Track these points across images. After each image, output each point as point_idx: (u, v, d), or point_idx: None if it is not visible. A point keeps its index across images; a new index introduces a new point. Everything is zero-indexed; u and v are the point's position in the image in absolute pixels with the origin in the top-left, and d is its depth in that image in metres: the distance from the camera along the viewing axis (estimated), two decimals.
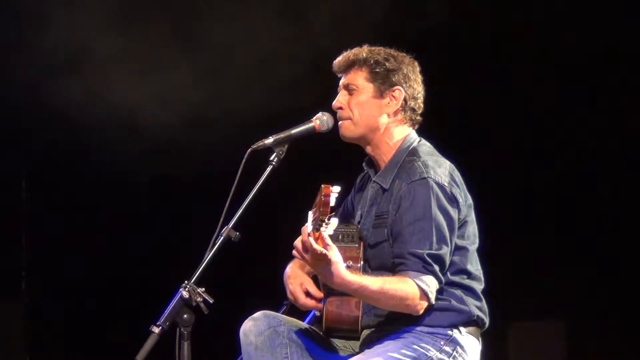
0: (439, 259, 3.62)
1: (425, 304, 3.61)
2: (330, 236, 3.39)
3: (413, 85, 3.87)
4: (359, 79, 3.84)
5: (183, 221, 6.88)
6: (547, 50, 6.82)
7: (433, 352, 3.67)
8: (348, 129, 3.86)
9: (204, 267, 3.58)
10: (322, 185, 3.36)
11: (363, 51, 3.86)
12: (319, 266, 3.45)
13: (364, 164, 3.99)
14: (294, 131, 3.82)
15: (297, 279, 3.86)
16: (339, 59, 3.89)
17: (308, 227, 3.40)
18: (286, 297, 3.89)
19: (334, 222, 3.35)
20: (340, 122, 3.87)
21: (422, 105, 3.90)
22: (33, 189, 7.26)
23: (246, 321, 3.78)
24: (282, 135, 3.79)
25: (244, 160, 3.69)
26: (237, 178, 3.68)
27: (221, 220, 3.63)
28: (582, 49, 6.71)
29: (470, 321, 3.74)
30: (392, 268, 3.67)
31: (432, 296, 3.61)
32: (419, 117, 3.91)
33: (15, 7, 6.72)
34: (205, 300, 3.53)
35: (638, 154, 6.88)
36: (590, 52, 6.72)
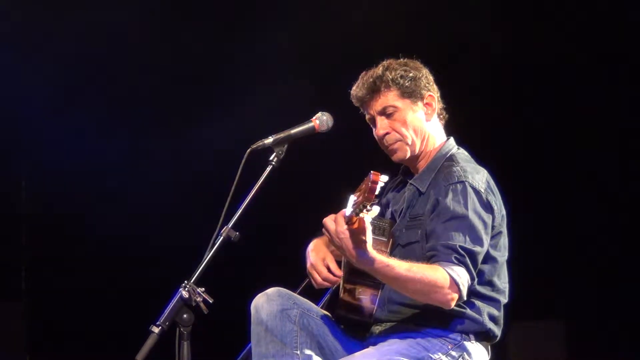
0: (471, 255, 3.58)
1: (456, 296, 3.55)
2: None
3: (434, 85, 3.89)
4: (393, 99, 3.80)
5: (183, 221, 6.88)
6: None
7: (438, 356, 3.66)
8: (405, 151, 3.83)
9: (203, 267, 3.57)
10: (371, 172, 3.36)
11: (380, 72, 3.81)
12: (348, 244, 3.41)
13: (400, 172, 3.98)
14: (293, 131, 3.81)
15: (320, 253, 3.85)
16: (359, 89, 3.83)
17: (347, 210, 3.38)
18: (299, 281, 3.89)
19: (376, 209, 3.34)
20: (391, 147, 3.83)
21: None
22: (33, 189, 7.26)
23: (259, 295, 3.75)
24: (281, 135, 3.78)
25: (243, 160, 3.68)
26: (237, 178, 3.68)
27: (221, 220, 3.63)
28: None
29: (482, 332, 3.72)
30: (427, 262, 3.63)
31: (463, 289, 3.55)
32: (445, 113, 3.93)
33: None
34: (205, 300, 3.52)
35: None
36: None
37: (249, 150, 3.71)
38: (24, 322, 7.17)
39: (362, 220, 3.34)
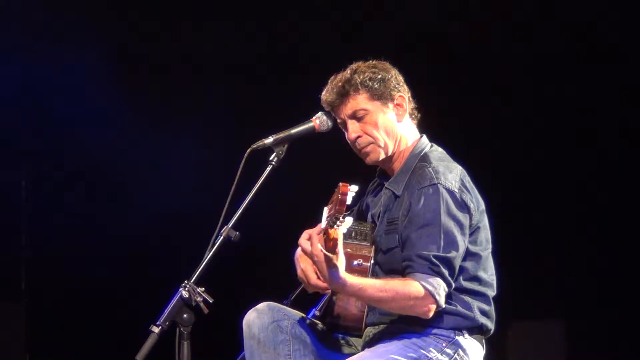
0: (446, 262, 3.59)
1: (433, 307, 3.57)
2: (344, 233, 3.40)
3: (404, 85, 3.86)
4: (362, 102, 3.78)
5: (183, 221, 6.87)
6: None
7: (434, 354, 3.66)
8: (378, 153, 3.80)
9: (203, 267, 3.58)
10: (340, 184, 3.37)
11: (349, 75, 3.78)
12: (322, 266, 3.45)
13: (376, 175, 3.97)
14: (293, 131, 3.81)
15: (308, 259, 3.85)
16: (329, 94, 3.80)
17: (322, 223, 3.40)
18: (295, 285, 3.89)
19: (349, 220, 3.34)
20: (363, 150, 3.81)
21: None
22: (33, 189, 7.26)
23: (250, 312, 3.77)
24: (281, 135, 3.78)
25: (243, 160, 3.68)
26: (237, 178, 3.68)
27: (221, 220, 3.63)
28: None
29: (474, 327, 3.72)
30: (403, 273, 3.64)
31: (440, 298, 3.57)
32: (417, 110, 3.91)
33: None
34: (205, 300, 3.52)
35: (637, 154, 6.90)
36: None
37: (249, 150, 3.71)
38: (24, 322, 7.16)
39: (335, 242, 3.36)
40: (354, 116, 3.80)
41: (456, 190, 3.68)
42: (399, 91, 3.82)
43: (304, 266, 3.81)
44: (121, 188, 7.05)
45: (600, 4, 6.71)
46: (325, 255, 3.39)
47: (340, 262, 3.44)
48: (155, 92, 7.04)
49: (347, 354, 3.75)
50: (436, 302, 3.57)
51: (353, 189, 3.37)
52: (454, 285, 3.63)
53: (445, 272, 3.58)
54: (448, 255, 3.59)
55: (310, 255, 3.49)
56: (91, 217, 7.13)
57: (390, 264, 3.67)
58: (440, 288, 3.57)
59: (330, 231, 3.35)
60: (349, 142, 3.85)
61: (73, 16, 6.80)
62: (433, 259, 3.57)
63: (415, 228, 3.63)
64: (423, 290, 3.54)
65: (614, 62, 6.81)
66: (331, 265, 3.43)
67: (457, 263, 3.64)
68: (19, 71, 6.87)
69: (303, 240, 3.57)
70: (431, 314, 3.59)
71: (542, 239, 7.02)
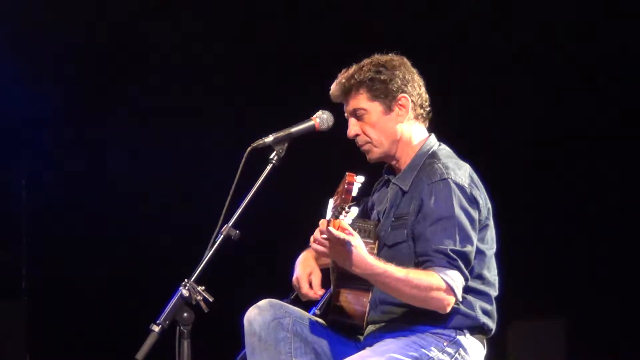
0: (463, 256, 3.59)
1: (452, 300, 3.57)
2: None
3: (414, 85, 3.82)
4: (362, 101, 3.79)
5: (183, 220, 6.88)
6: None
7: (435, 353, 3.65)
8: (374, 152, 3.82)
9: (204, 266, 3.58)
10: (347, 174, 3.39)
11: (352, 73, 3.79)
12: (340, 253, 3.43)
13: (383, 172, 3.97)
14: (294, 129, 3.81)
15: (307, 267, 3.85)
16: (334, 88, 3.84)
17: (327, 214, 3.39)
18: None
19: (354, 211, 3.35)
20: (362, 149, 3.84)
21: (427, 96, 3.87)
22: (33, 189, 7.26)
23: (251, 308, 3.77)
24: (282, 133, 3.78)
25: (244, 159, 3.69)
26: (237, 176, 3.68)
27: (221, 218, 3.63)
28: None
29: (476, 327, 3.72)
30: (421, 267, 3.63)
31: (459, 292, 3.57)
32: (429, 111, 3.89)
33: None
34: (205, 299, 3.52)
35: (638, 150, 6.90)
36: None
37: (249, 149, 3.72)
38: (24, 322, 7.17)
39: (344, 229, 3.34)
40: (354, 114, 3.82)
41: (466, 186, 3.69)
42: (403, 92, 3.80)
43: (300, 274, 3.84)
44: (121, 187, 7.05)
45: (606, 4, 6.72)
46: (343, 239, 3.36)
47: (359, 241, 3.42)
48: (156, 88, 7.04)
49: (348, 352, 3.74)
50: (455, 296, 3.57)
51: (359, 180, 3.39)
52: (470, 279, 3.63)
53: (463, 266, 3.58)
54: (464, 249, 3.60)
55: (328, 246, 3.42)
56: (91, 217, 7.14)
57: (396, 260, 3.64)
58: (458, 282, 3.57)
59: (336, 222, 3.34)
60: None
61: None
62: (450, 253, 3.57)
63: (429, 223, 3.62)
64: (444, 283, 3.54)
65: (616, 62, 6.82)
66: (350, 249, 3.40)
67: (472, 258, 3.64)
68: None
69: (318, 237, 3.48)
70: (449, 309, 3.59)
71: (542, 239, 7.01)
